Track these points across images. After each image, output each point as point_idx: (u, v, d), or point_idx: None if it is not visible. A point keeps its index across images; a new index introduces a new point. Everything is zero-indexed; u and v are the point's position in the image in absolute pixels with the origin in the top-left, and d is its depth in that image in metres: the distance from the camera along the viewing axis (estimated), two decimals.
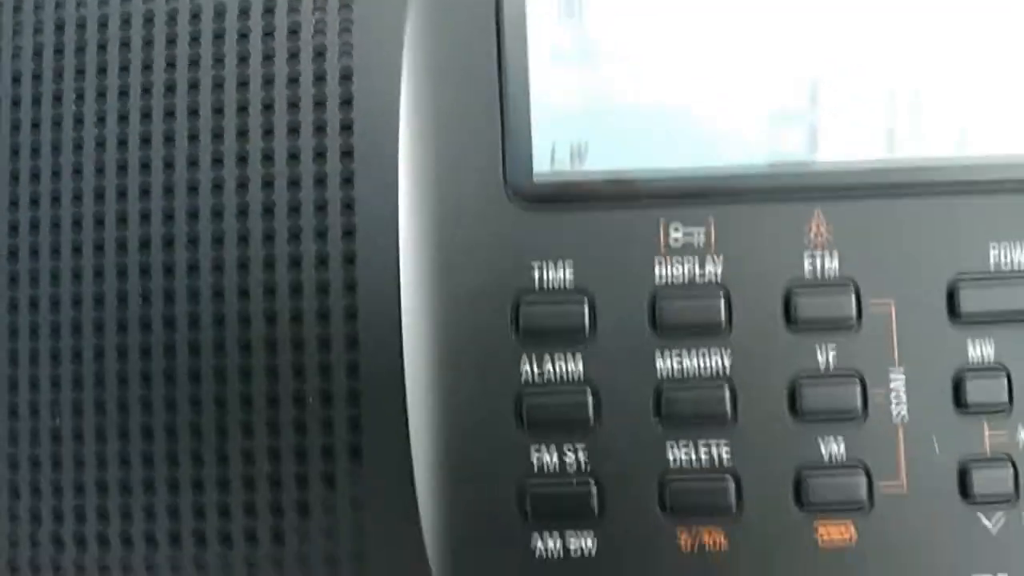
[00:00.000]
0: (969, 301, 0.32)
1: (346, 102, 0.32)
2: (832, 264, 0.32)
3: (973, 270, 0.32)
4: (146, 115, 0.33)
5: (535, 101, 0.32)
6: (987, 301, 0.32)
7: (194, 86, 0.33)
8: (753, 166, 0.32)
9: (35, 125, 0.33)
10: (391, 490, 0.31)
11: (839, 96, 0.33)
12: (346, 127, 0.32)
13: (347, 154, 0.32)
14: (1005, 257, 0.32)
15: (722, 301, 0.32)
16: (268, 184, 0.32)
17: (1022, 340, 0.32)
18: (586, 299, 0.32)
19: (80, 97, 0.33)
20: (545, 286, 0.32)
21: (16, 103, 0.33)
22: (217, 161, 0.32)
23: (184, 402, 0.32)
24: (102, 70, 0.33)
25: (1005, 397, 0.32)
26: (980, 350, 0.32)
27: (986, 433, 0.32)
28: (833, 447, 0.32)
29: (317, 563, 0.31)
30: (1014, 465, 0.32)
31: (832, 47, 0.33)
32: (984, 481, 0.32)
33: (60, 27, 0.33)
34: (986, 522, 0.32)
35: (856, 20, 0.33)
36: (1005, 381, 0.32)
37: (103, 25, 0.33)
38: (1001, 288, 0.32)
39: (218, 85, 0.33)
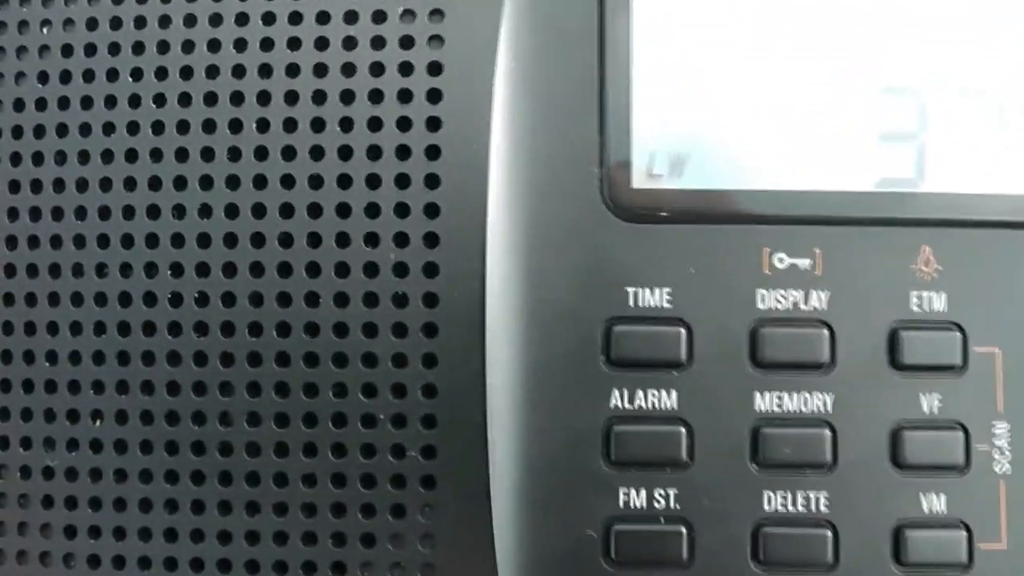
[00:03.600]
0: None
1: (434, 98, 0.30)
2: (940, 304, 0.30)
3: None
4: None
5: (636, 109, 0.30)
6: None
7: (265, 97, 0.30)
8: (860, 192, 0.30)
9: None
10: (466, 523, 0.29)
11: (949, 120, 0.31)
12: (433, 126, 0.30)
13: (433, 153, 0.30)
14: None
15: (827, 337, 0.30)
16: (345, 184, 0.30)
17: None
18: (683, 327, 0.29)
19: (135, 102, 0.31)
20: (640, 310, 0.29)
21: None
22: (290, 154, 0.30)
23: (240, 417, 0.29)
24: (162, 75, 0.31)
25: None
26: None
27: None
28: (935, 502, 0.30)
29: None
30: None
31: (944, 70, 0.31)
32: None
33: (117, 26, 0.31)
34: None
35: (968, 44, 0.31)
36: None
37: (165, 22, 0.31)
38: None
39: (292, 76, 0.30)
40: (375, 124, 0.30)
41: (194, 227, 0.30)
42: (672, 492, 0.29)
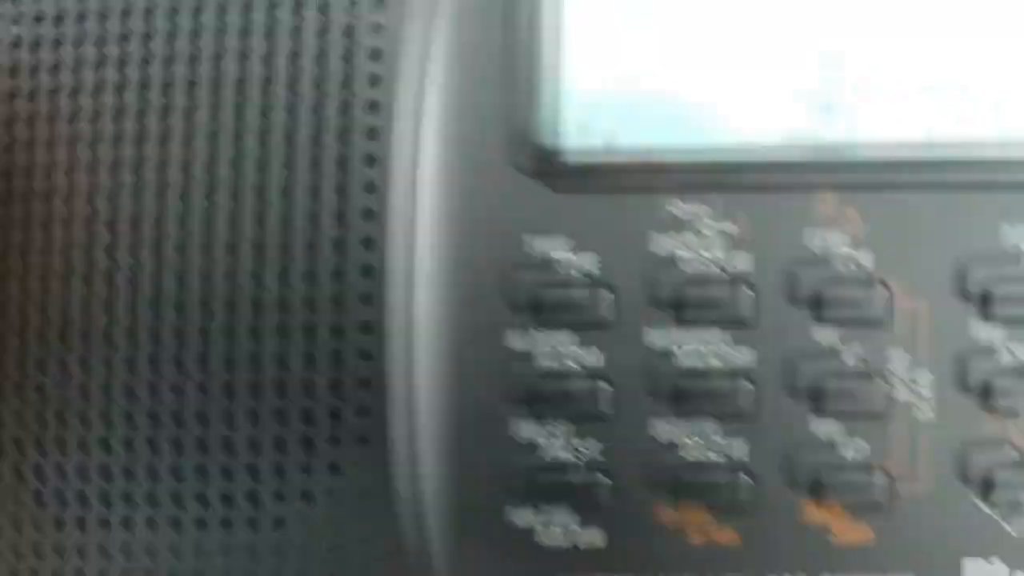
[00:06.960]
0: (1003, 304, 0.31)
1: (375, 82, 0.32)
2: (865, 259, 0.31)
3: (1009, 274, 0.31)
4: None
5: (566, 80, 0.32)
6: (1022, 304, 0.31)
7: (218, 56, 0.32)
8: (776, 147, 0.31)
9: None
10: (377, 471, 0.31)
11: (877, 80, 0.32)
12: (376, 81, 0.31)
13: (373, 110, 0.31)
14: None
15: (749, 293, 0.31)
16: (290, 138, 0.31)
17: None
18: (608, 286, 0.31)
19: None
20: (567, 278, 0.31)
21: None
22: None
23: (192, 388, 0.32)
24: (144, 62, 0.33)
25: None
26: (1013, 353, 0.31)
27: (1013, 437, 0.31)
28: (855, 447, 0.31)
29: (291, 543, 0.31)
30: None
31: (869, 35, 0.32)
32: (1007, 485, 0.31)
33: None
34: (1007, 527, 0.31)
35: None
36: None
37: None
38: None
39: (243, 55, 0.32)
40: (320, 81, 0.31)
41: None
42: (594, 441, 0.31)
